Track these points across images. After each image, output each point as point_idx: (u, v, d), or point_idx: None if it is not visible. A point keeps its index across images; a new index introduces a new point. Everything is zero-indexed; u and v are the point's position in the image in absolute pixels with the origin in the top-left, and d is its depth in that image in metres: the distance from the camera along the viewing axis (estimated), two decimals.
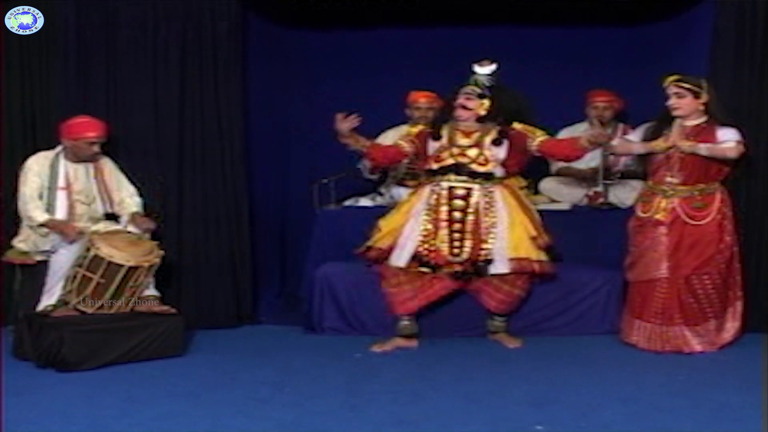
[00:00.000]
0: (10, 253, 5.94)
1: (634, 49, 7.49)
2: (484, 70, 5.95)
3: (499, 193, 5.88)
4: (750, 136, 5.81)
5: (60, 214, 5.82)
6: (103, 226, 5.94)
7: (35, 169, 5.87)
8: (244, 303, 6.64)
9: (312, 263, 6.61)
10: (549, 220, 6.55)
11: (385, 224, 6.00)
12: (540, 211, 6.60)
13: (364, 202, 7.16)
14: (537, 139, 5.87)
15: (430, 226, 5.81)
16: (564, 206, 6.93)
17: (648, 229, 5.75)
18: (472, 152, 5.86)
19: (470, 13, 7.21)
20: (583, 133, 7.07)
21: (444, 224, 5.79)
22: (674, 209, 5.66)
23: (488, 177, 5.85)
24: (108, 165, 6.09)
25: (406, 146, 6.04)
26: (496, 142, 5.88)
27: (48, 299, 5.70)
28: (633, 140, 5.95)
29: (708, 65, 6.20)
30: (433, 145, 5.97)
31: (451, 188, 5.83)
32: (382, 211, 6.84)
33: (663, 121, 5.73)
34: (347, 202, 7.13)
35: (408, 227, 5.87)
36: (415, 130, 6.16)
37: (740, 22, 6.14)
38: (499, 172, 5.91)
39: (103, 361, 5.34)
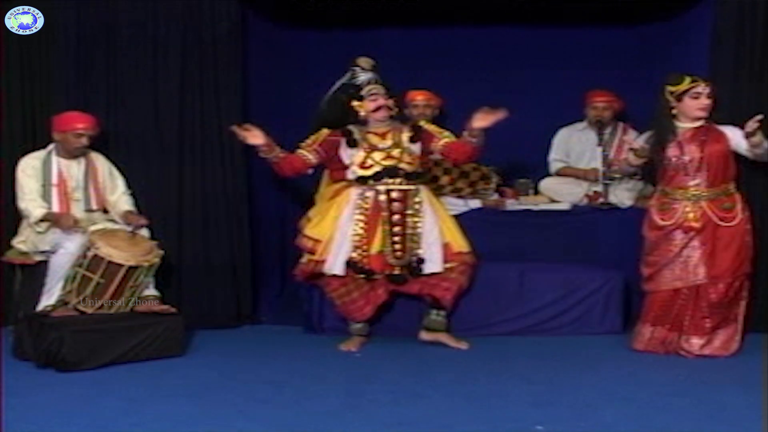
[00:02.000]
0: (10, 254, 5.94)
1: (633, 50, 7.50)
2: (369, 67, 5.94)
3: (423, 192, 5.85)
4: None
5: (55, 210, 5.83)
6: (103, 225, 5.94)
7: (29, 169, 5.88)
8: (244, 303, 6.64)
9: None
10: (549, 220, 6.59)
11: (318, 234, 5.82)
12: (540, 211, 6.63)
13: None
14: (443, 140, 5.84)
15: (362, 232, 5.71)
16: (564, 206, 6.92)
17: (675, 237, 5.59)
18: (396, 152, 5.79)
19: (469, 14, 7.21)
20: (579, 131, 7.11)
21: (386, 229, 5.70)
22: (704, 213, 5.53)
23: (418, 175, 5.83)
24: (100, 161, 6.09)
25: (311, 157, 5.83)
26: (414, 140, 5.84)
27: (48, 299, 5.69)
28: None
29: (707, 66, 6.19)
30: (349, 152, 5.81)
31: (389, 191, 5.72)
32: None
33: (662, 126, 5.62)
34: None
35: (339, 234, 5.74)
36: (319, 137, 5.88)
37: (739, 23, 6.14)
38: (421, 170, 5.91)
39: (103, 361, 5.33)
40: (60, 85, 6.34)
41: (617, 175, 6.88)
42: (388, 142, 5.79)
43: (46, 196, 5.85)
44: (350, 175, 5.83)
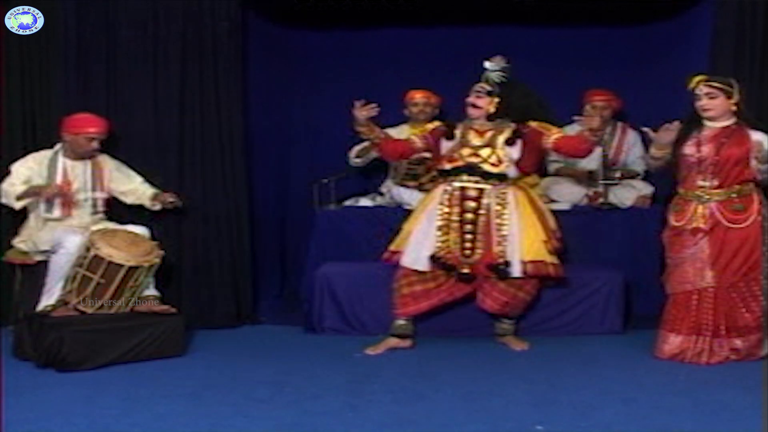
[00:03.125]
0: (10, 253, 5.95)
1: (633, 49, 7.48)
2: (493, 66, 5.83)
3: (512, 195, 5.73)
4: None
5: (57, 209, 5.84)
6: (104, 225, 5.95)
7: (30, 163, 5.90)
8: (244, 303, 6.64)
9: (312, 263, 6.62)
10: None
11: (406, 226, 5.90)
12: None
13: (365, 202, 7.16)
14: (552, 137, 5.72)
15: (444, 227, 5.70)
16: (564, 206, 6.91)
17: (685, 238, 5.51)
18: (485, 152, 5.71)
19: (470, 13, 7.21)
20: (578, 132, 7.11)
21: (456, 225, 5.68)
22: (713, 214, 5.42)
23: (501, 178, 5.71)
24: (107, 162, 6.10)
25: (418, 142, 5.93)
26: (510, 142, 5.73)
27: (48, 299, 5.70)
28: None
29: (708, 65, 6.19)
30: (446, 145, 5.84)
31: (462, 188, 5.70)
32: (383, 211, 6.89)
33: (691, 123, 5.51)
34: (347, 202, 7.14)
35: (421, 228, 5.77)
36: (431, 126, 6.02)
37: (740, 22, 6.14)
38: (512, 172, 5.75)
39: (103, 361, 5.34)
40: (60, 85, 6.34)
41: (617, 175, 6.89)
42: (481, 141, 5.75)
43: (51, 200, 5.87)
44: (438, 166, 5.91)
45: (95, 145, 5.92)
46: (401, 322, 5.85)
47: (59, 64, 6.36)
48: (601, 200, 6.81)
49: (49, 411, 4.54)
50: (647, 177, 7.01)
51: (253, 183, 6.79)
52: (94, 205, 6.01)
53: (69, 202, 5.90)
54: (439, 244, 5.69)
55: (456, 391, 4.90)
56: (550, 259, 5.73)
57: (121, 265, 5.57)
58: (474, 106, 5.77)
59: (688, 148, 5.46)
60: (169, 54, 6.39)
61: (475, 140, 5.76)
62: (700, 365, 5.39)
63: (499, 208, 5.66)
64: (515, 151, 5.74)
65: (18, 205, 5.87)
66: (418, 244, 5.74)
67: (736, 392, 4.83)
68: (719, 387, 4.94)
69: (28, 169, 5.90)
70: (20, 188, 5.82)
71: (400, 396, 4.81)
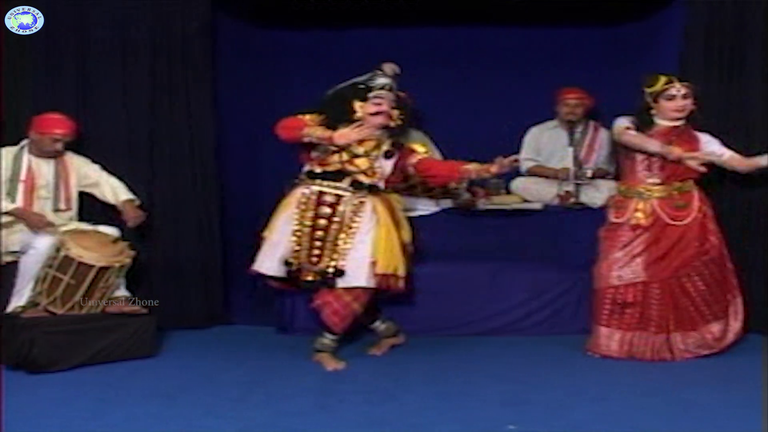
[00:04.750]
0: None
1: (605, 50, 7.52)
2: (393, 73, 5.76)
3: (369, 204, 5.52)
4: (720, 134, 5.85)
5: (19, 202, 5.80)
6: (74, 226, 5.91)
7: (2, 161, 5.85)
8: (216, 303, 6.62)
9: None
10: (521, 220, 6.59)
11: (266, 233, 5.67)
12: (512, 211, 6.62)
13: None
14: (417, 156, 5.66)
15: (297, 231, 5.51)
16: (536, 206, 6.93)
17: (621, 233, 5.62)
18: (361, 162, 5.55)
19: (441, 14, 7.21)
20: (550, 130, 7.14)
21: (308, 231, 5.48)
22: (654, 211, 5.56)
23: (371, 189, 5.55)
24: (73, 160, 6.06)
25: (310, 122, 5.54)
26: (388, 155, 5.61)
27: (18, 300, 5.66)
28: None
29: (678, 66, 6.24)
30: (321, 147, 5.57)
31: (320, 193, 5.52)
32: None
33: (642, 122, 5.62)
34: None
35: (276, 232, 5.59)
36: (318, 118, 5.59)
37: (709, 24, 6.19)
38: (381, 185, 5.64)
39: (75, 362, 5.32)
40: (29, 85, 6.29)
41: (588, 175, 6.91)
42: (362, 150, 5.56)
43: (12, 191, 5.81)
44: (305, 168, 5.67)
45: (60, 147, 5.89)
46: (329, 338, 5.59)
47: (29, 64, 6.31)
48: (572, 200, 6.83)
49: (20, 413, 4.51)
50: (618, 176, 7.04)
51: (224, 183, 6.76)
52: (56, 202, 5.96)
53: (30, 198, 5.86)
54: (293, 249, 5.51)
55: (428, 391, 4.92)
56: (401, 272, 5.52)
57: (91, 266, 5.54)
58: (386, 115, 5.59)
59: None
60: (139, 54, 6.35)
61: (355, 148, 5.54)
62: (652, 362, 5.48)
63: (352, 216, 5.47)
64: (389, 166, 5.66)
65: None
66: (271, 248, 5.58)
67: (706, 390, 4.88)
68: (690, 385, 4.98)
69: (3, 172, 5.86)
70: (9, 206, 5.76)
71: (371, 396, 4.82)
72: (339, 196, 5.50)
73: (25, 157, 5.91)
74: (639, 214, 5.58)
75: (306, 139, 5.48)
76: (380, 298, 5.69)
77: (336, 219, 5.46)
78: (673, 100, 5.55)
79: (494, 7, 6.98)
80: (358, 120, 5.53)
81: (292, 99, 6.71)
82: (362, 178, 5.54)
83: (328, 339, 5.55)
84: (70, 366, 5.30)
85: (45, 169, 5.93)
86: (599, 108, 7.26)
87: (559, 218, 6.81)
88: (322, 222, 5.47)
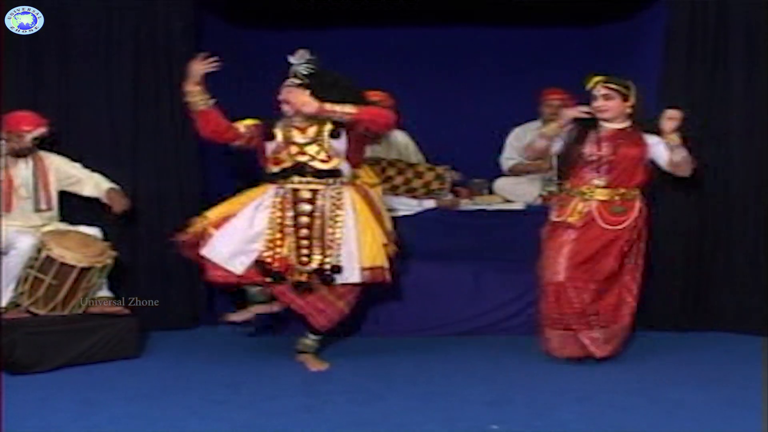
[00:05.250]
0: None
1: (588, 50, 7.52)
2: (298, 60, 5.52)
3: (348, 196, 5.40)
4: (703, 135, 5.88)
5: None
6: (55, 226, 5.89)
7: None
8: (200, 304, 6.59)
9: None
10: (503, 220, 6.59)
11: (220, 211, 5.49)
12: (494, 211, 6.62)
13: None
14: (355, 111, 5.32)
15: (277, 234, 5.34)
16: (518, 206, 6.94)
17: (558, 232, 5.50)
18: (312, 149, 5.35)
19: (425, 14, 7.22)
20: (534, 130, 7.14)
21: (290, 230, 5.33)
22: (590, 212, 5.41)
23: (335, 174, 5.37)
24: (51, 159, 6.03)
25: (241, 128, 5.50)
26: (334, 134, 5.36)
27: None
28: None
29: (661, 65, 6.27)
30: (269, 146, 5.46)
31: (295, 191, 5.37)
32: None
33: (588, 123, 5.46)
34: None
35: (240, 225, 5.38)
36: (253, 121, 5.56)
37: (692, 23, 6.21)
38: (345, 168, 5.43)
39: (57, 363, 5.30)
40: (11, 84, 6.26)
41: None
42: (306, 137, 5.38)
43: None
44: (265, 168, 5.52)
45: (27, 143, 5.86)
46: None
47: (11, 63, 6.28)
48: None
49: (3, 414, 4.50)
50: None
51: (208, 182, 6.74)
52: (37, 202, 5.94)
53: (9, 198, 5.84)
54: (269, 251, 5.32)
55: (412, 391, 4.93)
56: (386, 264, 5.39)
57: (73, 266, 5.52)
58: (287, 102, 5.43)
59: (588, 147, 5.43)
60: (122, 53, 6.32)
61: (299, 138, 5.39)
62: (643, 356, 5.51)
63: (333, 209, 5.34)
64: (342, 144, 5.41)
65: None
66: (230, 240, 5.35)
67: (689, 390, 4.92)
68: (674, 385, 5.01)
69: None
70: None
71: (356, 396, 4.82)
72: (314, 191, 5.35)
73: (2, 158, 5.88)
74: (575, 214, 5.44)
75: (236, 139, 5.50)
76: (367, 294, 5.62)
77: (317, 214, 5.33)
78: (595, 100, 5.43)
79: (477, 8, 6.98)
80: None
81: (275, 98, 6.71)
82: (321, 166, 5.36)
83: (311, 339, 5.51)
84: (52, 367, 5.27)
85: (22, 169, 5.91)
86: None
87: (541, 219, 6.78)
88: (305, 219, 5.34)
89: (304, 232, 5.34)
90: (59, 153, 6.08)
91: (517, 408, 4.65)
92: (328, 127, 5.37)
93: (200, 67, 5.41)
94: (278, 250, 5.32)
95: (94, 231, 5.93)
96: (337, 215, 5.34)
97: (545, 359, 5.55)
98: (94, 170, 6.12)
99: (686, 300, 6.35)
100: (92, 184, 6.06)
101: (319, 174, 5.35)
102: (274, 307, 5.70)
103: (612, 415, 4.53)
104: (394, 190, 6.72)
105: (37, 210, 5.93)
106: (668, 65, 6.26)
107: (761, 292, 6.18)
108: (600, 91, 5.42)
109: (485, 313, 6.21)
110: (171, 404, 4.72)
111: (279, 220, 5.35)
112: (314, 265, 5.30)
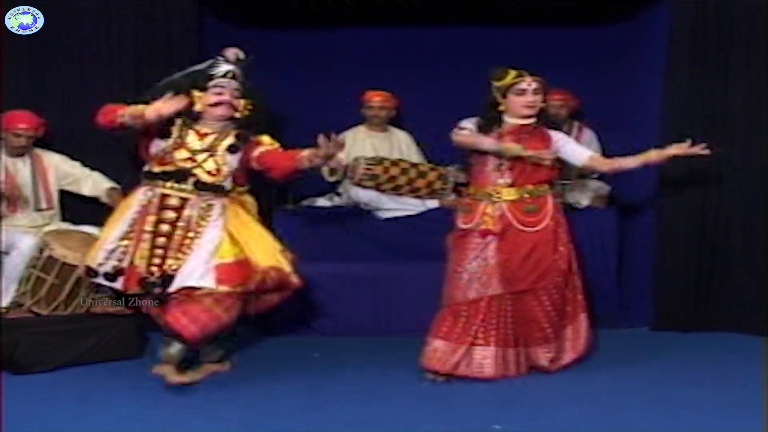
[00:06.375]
0: None
1: (591, 50, 7.50)
2: (237, 61, 5.19)
3: (218, 207, 5.04)
4: (707, 134, 5.86)
5: (2, 206, 5.78)
6: (57, 226, 5.89)
7: None
8: None
9: None
10: None
11: (102, 234, 5.18)
12: None
13: (322, 202, 7.15)
14: (260, 148, 5.11)
15: (132, 237, 4.99)
16: None
17: (472, 240, 5.17)
18: (202, 158, 5.02)
19: (426, 14, 7.21)
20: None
21: (148, 236, 4.94)
22: (503, 215, 5.12)
23: (216, 190, 5.05)
24: (50, 158, 6.04)
25: (127, 115, 4.94)
26: (232, 149, 5.07)
27: (1, 301, 5.63)
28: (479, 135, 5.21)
29: (664, 65, 6.26)
30: (157, 143, 5.05)
31: (164, 196, 5.01)
32: (340, 211, 6.86)
33: (490, 118, 5.21)
34: (304, 203, 7.10)
35: (113, 235, 5.05)
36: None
37: (695, 22, 6.21)
38: (228, 184, 5.12)
39: (59, 363, 5.29)
40: (12, 84, 6.25)
41: (574, 175, 6.92)
42: (201, 144, 5.04)
43: None
44: (146, 166, 5.15)
45: (23, 141, 5.87)
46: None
47: (12, 64, 6.28)
48: (558, 200, 6.83)
49: (3, 414, 4.48)
50: (603, 177, 7.05)
51: None
52: (37, 201, 5.94)
53: (14, 200, 5.83)
54: (120, 255, 4.99)
55: (415, 391, 4.93)
56: (286, 266, 5.08)
57: (75, 266, 5.52)
58: (229, 105, 5.09)
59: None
60: (123, 53, 6.33)
61: (195, 143, 5.04)
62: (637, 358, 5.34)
63: (198, 220, 4.97)
64: (235, 161, 5.11)
65: None
66: (107, 253, 5.03)
67: (692, 390, 4.91)
68: (677, 386, 5.00)
69: None
70: None
71: (359, 396, 4.82)
72: (184, 200, 4.99)
73: (2, 158, 5.88)
74: (487, 219, 5.13)
75: (119, 121, 4.92)
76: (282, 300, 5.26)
77: (181, 224, 4.95)
78: (523, 95, 5.14)
79: (479, 8, 6.97)
80: (194, 114, 5.07)
81: (277, 99, 6.70)
82: (206, 178, 5.02)
83: (175, 349, 4.89)
84: (53, 367, 5.26)
85: (22, 168, 5.91)
86: (584, 109, 7.27)
87: None
88: (165, 228, 4.95)
89: (160, 240, 4.94)
90: (59, 151, 6.07)
91: (519, 408, 4.64)
92: (229, 140, 5.09)
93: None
94: (129, 257, 4.96)
95: (96, 231, 5.91)
96: (200, 225, 4.96)
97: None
98: (94, 170, 6.11)
99: (691, 300, 6.35)
100: (91, 183, 6.06)
101: (201, 186, 5.01)
102: (226, 367, 5.35)
103: (614, 415, 4.52)
104: (397, 190, 6.70)
105: (38, 209, 5.93)
106: (671, 65, 6.26)
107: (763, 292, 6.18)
108: (531, 85, 5.15)
109: None
110: (172, 404, 4.71)
111: (139, 226, 4.99)
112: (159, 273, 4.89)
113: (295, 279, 5.11)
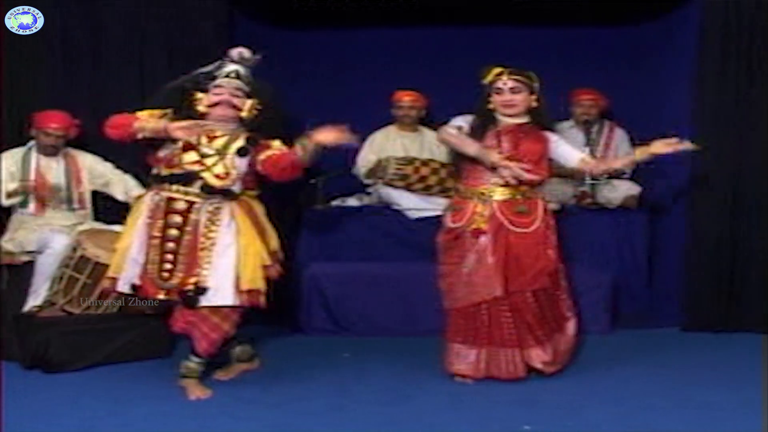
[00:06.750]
0: None
1: (621, 49, 7.48)
2: (247, 62, 5.08)
3: (227, 212, 4.92)
4: (738, 134, 5.83)
5: (32, 205, 5.82)
6: (90, 225, 5.93)
7: (8, 160, 5.85)
8: None
9: (299, 263, 6.59)
10: None
11: (119, 244, 5.06)
12: None
13: (352, 202, 7.16)
14: (267, 152, 4.98)
15: (147, 243, 4.90)
16: (552, 206, 6.86)
17: (465, 241, 5.05)
18: (211, 161, 4.88)
19: (456, 13, 7.20)
20: (566, 130, 7.10)
21: (157, 242, 4.85)
22: (494, 215, 4.99)
23: (224, 194, 4.92)
24: (84, 158, 6.08)
25: (144, 116, 4.92)
26: (242, 152, 4.93)
27: (34, 300, 5.68)
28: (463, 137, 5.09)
29: (695, 65, 6.22)
30: (167, 145, 4.93)
31: (170, 200, 4.89)
32: (370, 210, 6.86)
33: (485, 118, 5.10)
34: (335, 202, 7.12)
35: (135, 244, 4.94)
36: (159, 111, 4.96)
37: (726, 22, 6.15)
38: (237, 188, 4.99)
39: (90, 362, 5.32)
40: (46, 86, 6.31)
41: (604, 175, 6.89)
42: (212, 147, 4.91)
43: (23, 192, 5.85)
44: (154, 169, 5.04)
45: (53, 141, 5.91)
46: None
47: (46, 66, 6.33)
48: (588, 200, 6.81)
49: (35, 412, 4.54)
50: (634, 177, 7.03)
51: None
52: (70, 201, 5.98)
53: (43, 199, 5.88)
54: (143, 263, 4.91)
55: (443, 392, 4.91)
56: (262, 287, 4.94)
57: (107, 266, 5.53)
58: (229, 105, 4.96)
59: (489, 143, 5.02)
60: (155, 54, 6.36)
61: (204, 146, 4.90)
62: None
63: (208, 225, 4.87)
64: (244, 164, 4.97)
65: (6, 202, 5.86)
66: (135, 264, 4.93)
67: (723, 392, 4.86)
68: (707, 387, 4.96)
69: (6, 168, 5.87)
70: (11, 185, 5.81)
71: (387, 396, 4.82)
72: (191, 203, 4.88)
73: (34, 157, 5.94)
74: (478, 218, 5.01)
75: (139, 135, 4.85)
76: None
77: (188, 229, 4.85)
78: (501, 94, 5.03)
79: (508, 7, 6.95)
80: (202, 114, 4.96)
81: (307, 99, 6.73)
82: (213, 181, 4.89)
83: (194, 363, 4.94)
84: (85, 365, 5.30)
85: (54, 168, 5.96)
86: (615, 108, 7.24)
87: (575, 219, 6.78)
88: (173, 232, 4.85)
89: (170, 246, 4.85)
90: (92, 152, 6.11)
91: (549, 409, 4.63)
92: (239, 143, 4.96)
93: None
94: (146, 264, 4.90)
95: None
96: (210, 231, 4.87)
97: (574, 359, 5.51)
98: (126, 173, 6.15)
99: (722, 301, 6.29)
100: (122, 188, 6.09)
101: (208, 189, 4.89)
102: (255, 365, 5.38)
103: (643, 416, 4.49)
104: (427, 190, 6.71)
105: (71, 209, 5.97)
106: (701, 64, 6.21)
107: None
108: (507, 83, 5.03)
109: None
110: (202, 403, 4.73)
111: (149, 231, 4.90)
112: (174, 281, 4.83)
113: (261, 300, 4.93)
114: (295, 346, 5.97)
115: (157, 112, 4.93)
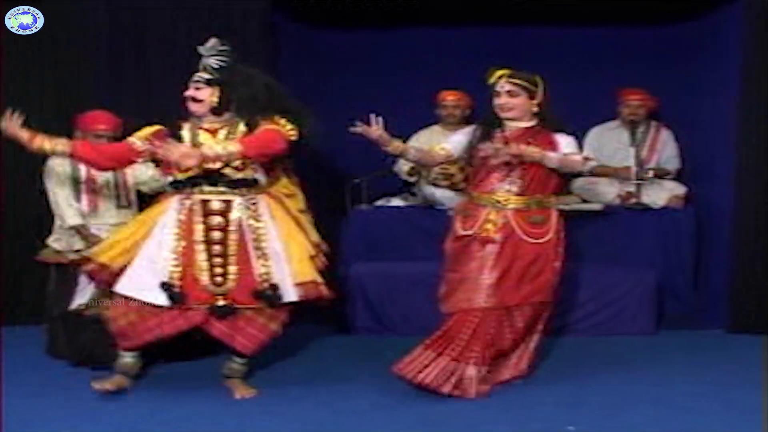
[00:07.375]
0: (45, 253, 5.97)
1: (665, 49, 7.41)
2: (209, 51, 4.97)
3: (264, 205, 4.90)
4: None
5: (84, 206, 5.87)
6: None
7: (55, 176, 5.89)
8: None
9: (344, 263, 6.61)
10: (581, 221, 6.53)
11: (123, 235, 5.00)
12: (572, 212, 6.56)
13: (396, 201, 7.17)
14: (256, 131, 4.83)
15: (184, 249, 4.78)
16: (596, 206, 6.88)
17: (474, 248, 4.91)
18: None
19: (500, 14, 7.19)
20: (612, 130, 7.06)
21: (201, 246, 4.77)
22: (507, 224, 4.84)
23: (250, 184, 4.87)
24: None
25: (138, 143, 4.97)
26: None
27: (81, 298, 5.71)
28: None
29: (740, 63, 6.16)
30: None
31: (204, 202, 4.83)
32: (414, 210, 6.87)
33: (491, 122, 5.02)
34: (379, 202, 7.14)
35: (149, 249, 4.82)
36: (153, 129, 5.04)
37: None
38: (261, 176, 4.93)
39: None
40: (92, 86, 6.37)
41: (650, 175, 6.85)
42: (216, 141, 4.82)
43: (76, 196, 5.89)
44: (168, 175, 4.96)
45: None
46: (126, 359, 4.94)
47: (92, 66, 6.40)
48: (633, 200, 6.77)
49: (80, 409, 4.61)
50: (679, 177, 6.98)
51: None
52: (118, 198, 6.02)
53: (95, 195, 5.93)
54: (173, 270, 4.75)
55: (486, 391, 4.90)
56: (319, 278, 4.93)
57: None
58: (194, 99, 4.89)
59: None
60: (198, 54, 6.40)
61: (209, 141, 4.82)
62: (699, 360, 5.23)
63: (252, 222, 4.83)
64: None
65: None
66: (145, 269, 4.79)
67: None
68: (752, 389, 4.90)
69: (63, 187, 5.91)
70: (74, 220, 5.83)
71: (429, 396, 4.80)
72: (227, 202, 4.84)
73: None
74: (490, 226, 4.86)
75: (140, 160, 5.16)
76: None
77: (232, 228, 4.80)
78: (498, 97, 4.94)
79: (554, 7, 6.93)
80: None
81: (351, 99, 6.73)
82: (233, 174, 4.82)
83: (237, 363, 4.96)
84: None
85: None
86: (662, 107, 7.19)
87: (620, 219, 6.75)
88: (217, 234, 4.79)
89: (216, 248, 4.78)
90: None
91: (590, 409, 4.63)
92: (241, 128, 4.88)
93: (11, 125, 4.93)
94: (188, 270, 4.76)
95: None
96: (258, 227, 4.84)
97: (618, 360, 5.48)
98: None
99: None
100: (157, 188, 6.13)
101: (233, 183, 4.84)
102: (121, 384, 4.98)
103: (686, 418, 4.47)
104: (454, 187, 6.69)
105: (119, 207, 6.01)
106: (747, 63, 6.15)
107: None
108: (504, 87, 4.93)
109: (562, 314, 6.11)
110: (245, 401, 4.79)
111: (187, 236, 4.80)
112: (230, 285, 4.75)
113: (322, 290, 4.95)
114: (339, 345, 6.00)
115: (149, 129, 5.03)
